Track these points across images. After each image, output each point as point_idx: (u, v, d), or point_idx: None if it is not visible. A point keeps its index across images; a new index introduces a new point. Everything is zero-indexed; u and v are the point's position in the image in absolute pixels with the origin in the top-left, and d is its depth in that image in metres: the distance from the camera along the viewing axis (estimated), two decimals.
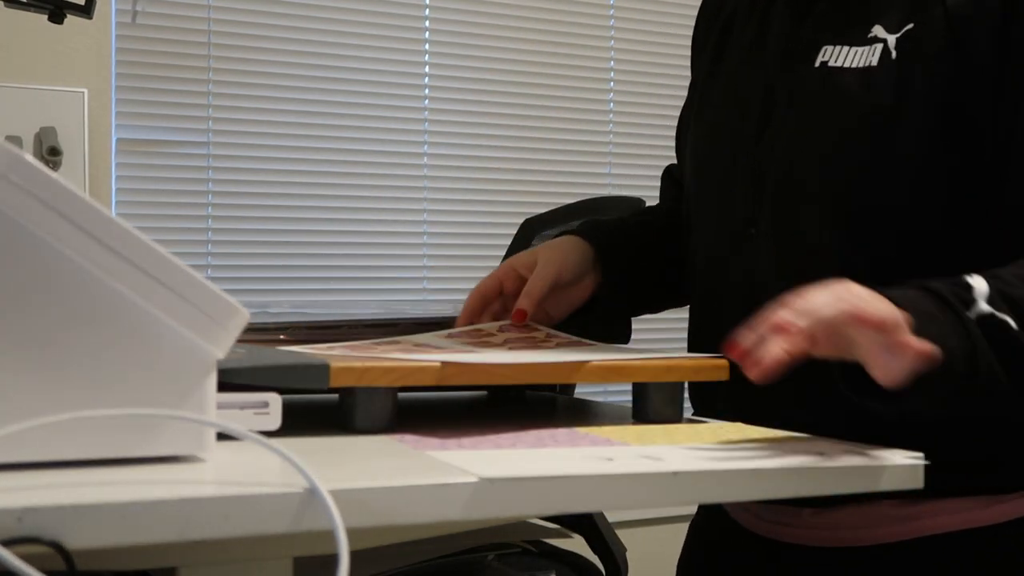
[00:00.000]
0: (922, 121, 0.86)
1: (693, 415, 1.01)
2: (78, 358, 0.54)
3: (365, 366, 0.72)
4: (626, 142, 2.95)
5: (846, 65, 0.91)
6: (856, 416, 0.88)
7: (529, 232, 1.76)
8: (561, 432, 0.74)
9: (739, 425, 0.82)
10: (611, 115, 2.94)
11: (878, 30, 0.90)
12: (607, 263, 1.06)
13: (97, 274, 0.54)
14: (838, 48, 0.92)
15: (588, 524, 1.24)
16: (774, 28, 0.99)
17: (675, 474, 0.59)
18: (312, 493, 0.50)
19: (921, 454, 0.66)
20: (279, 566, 0.56)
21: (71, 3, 1.46)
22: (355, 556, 0.48)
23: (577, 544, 1.16)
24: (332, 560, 0.47)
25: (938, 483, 0.71)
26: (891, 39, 0.89)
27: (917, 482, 0.66)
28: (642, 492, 0.59)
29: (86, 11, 1.48)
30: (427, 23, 2.74)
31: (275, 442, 0.53)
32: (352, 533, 0.49)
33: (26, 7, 1.46)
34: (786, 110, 0.95)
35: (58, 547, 0.45)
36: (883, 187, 0.88)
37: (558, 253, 1.04)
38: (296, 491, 0.50)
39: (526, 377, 0.79)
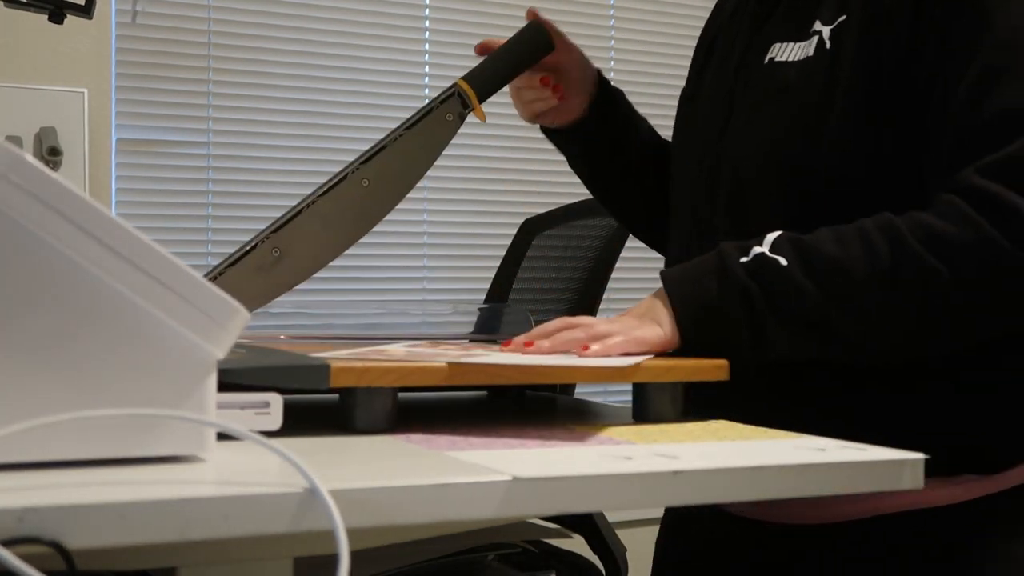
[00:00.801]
0: (852, 107, 0.89)
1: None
2: (78, 358, 0.54)
3: (365, 366, 0.72)
4: None
5: (789, 59, 0.95)
6: (851, 412, 0.87)
7: (529, 232, 1.76)
8: (563, 432, 0.74)
9: (738, 425, 0.82)
10: None
11: (817, 24, 0.94)
12: (604, 93, 1.20)
13: (97, 274, 0.54)
14: (785, 44, 0.96)
15: (588, 524, 1.24)
16: (740, 37, 1.04)
17: (696, 472, 0.59)
18: (312, 493, 0.49)
19: (921, 454, 0.66)
20: (279, 566, 0.56)
21: (71, 3, 1.46)
22: (355, 556, 0.48)
23: (577, 544, 1.16)
24: (332, 560, 0.47)
25: None
26: (826, 30, 0.93)
27: (917, 481, 0.66)
28: (662, 490, 0.59)
29: (86, 11, 1.47)
30: (427, 23, 2.74)
31: (275, 442, 0.53)
32: (352, 533, 0.49)
33: (26, 7, 1.45)
34: (740, 109, 0.99)
35: (58, 547, 0.45)
36: (820, 174, 0.90)
37: None
38: (296, 491, 0.50)
39: (528, 377, 0.79)
